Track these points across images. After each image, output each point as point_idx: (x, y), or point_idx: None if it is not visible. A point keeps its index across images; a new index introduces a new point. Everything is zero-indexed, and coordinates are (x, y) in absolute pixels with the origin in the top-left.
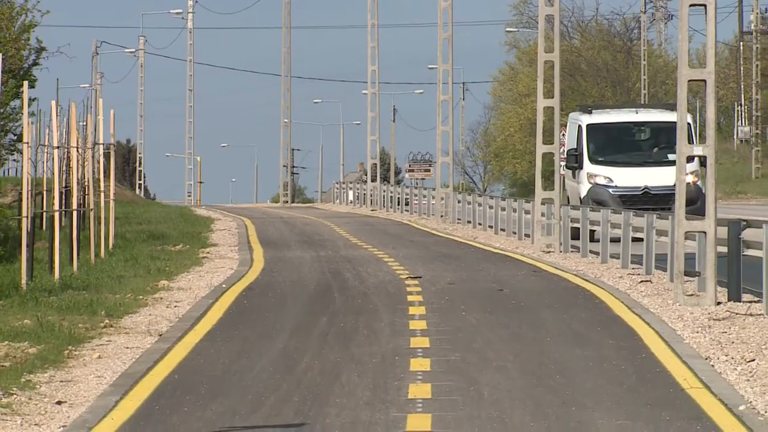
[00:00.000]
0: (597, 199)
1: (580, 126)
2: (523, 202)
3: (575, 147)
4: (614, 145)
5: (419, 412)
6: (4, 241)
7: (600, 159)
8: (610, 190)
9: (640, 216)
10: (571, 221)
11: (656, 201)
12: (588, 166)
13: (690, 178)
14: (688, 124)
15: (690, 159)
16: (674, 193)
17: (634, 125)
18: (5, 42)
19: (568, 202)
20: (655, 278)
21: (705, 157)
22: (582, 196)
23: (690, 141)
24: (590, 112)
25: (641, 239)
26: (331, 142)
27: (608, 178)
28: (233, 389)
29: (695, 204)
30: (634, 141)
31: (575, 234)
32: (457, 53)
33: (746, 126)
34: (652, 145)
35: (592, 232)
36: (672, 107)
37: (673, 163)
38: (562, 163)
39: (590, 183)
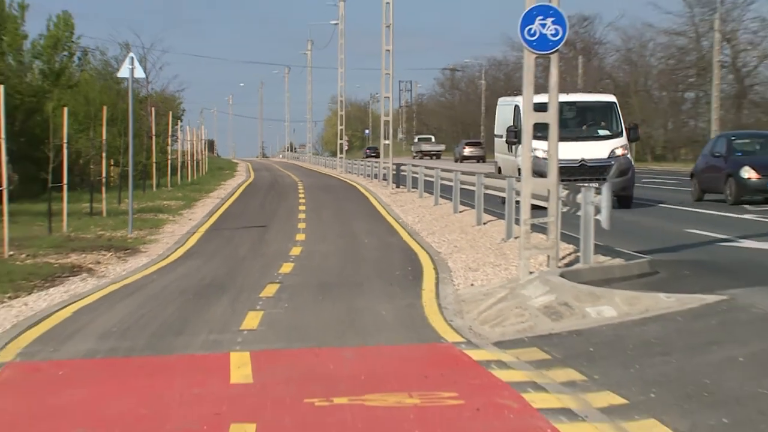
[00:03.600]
0: (538, 170)
1: (517, 106)
2: (336, 158)
3: (514, 125)
4: None
5: (301, 224)
6: (168, 171)
7: (539, 134)
8: None
9: (375, 158)
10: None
11: (592, 172)
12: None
13: (620, 151)
14: (614, 103)
15: (619, 134)
16: (606, 165)
17: (566, 105)
18: (173, 107)
19: (500, 172)
20: (376, 181)
21: (633, 131)
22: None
23: (618, 119)
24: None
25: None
26: (276, 139)
27: (547, 151)
28: (244, 216)
29: (627, 174)
30: (567, 119)
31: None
32: (314, 111)
33: (402, 134)
34: (581, 122)
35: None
36: (591, 92)
37: (603, 137)
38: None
39: (530, 156)
